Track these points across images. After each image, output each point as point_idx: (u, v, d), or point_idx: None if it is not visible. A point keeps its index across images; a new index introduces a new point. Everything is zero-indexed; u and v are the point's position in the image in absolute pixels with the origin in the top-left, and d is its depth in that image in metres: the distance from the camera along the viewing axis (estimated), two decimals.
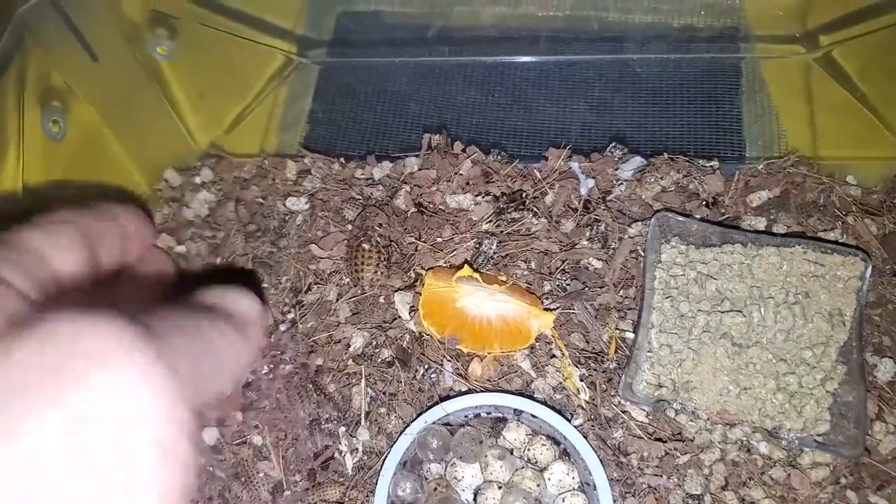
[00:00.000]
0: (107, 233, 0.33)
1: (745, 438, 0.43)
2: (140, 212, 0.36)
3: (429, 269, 0.47)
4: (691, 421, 0.44)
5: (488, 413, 0.43)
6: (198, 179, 0.54)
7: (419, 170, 0.53)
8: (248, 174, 0.55)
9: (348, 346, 0.46)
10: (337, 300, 0.48)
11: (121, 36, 0.46)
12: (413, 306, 0.46)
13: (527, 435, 0.42)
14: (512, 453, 0.42)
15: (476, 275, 0.45)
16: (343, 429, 0.44)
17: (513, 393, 0.44)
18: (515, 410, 0.42)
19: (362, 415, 0.44)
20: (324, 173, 0.54)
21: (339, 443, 0.44)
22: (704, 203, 0.50)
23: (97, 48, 0.44)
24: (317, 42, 0.63)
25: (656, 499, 0.41)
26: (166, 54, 0.50)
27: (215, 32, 0.52)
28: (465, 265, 0.46)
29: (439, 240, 0.49)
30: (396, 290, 0.47)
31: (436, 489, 0.41)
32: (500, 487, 0.40)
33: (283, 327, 0.47)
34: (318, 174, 0.54)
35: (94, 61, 0.44)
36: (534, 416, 0.42)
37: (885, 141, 0.53)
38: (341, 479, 0.43)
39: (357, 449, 0.43)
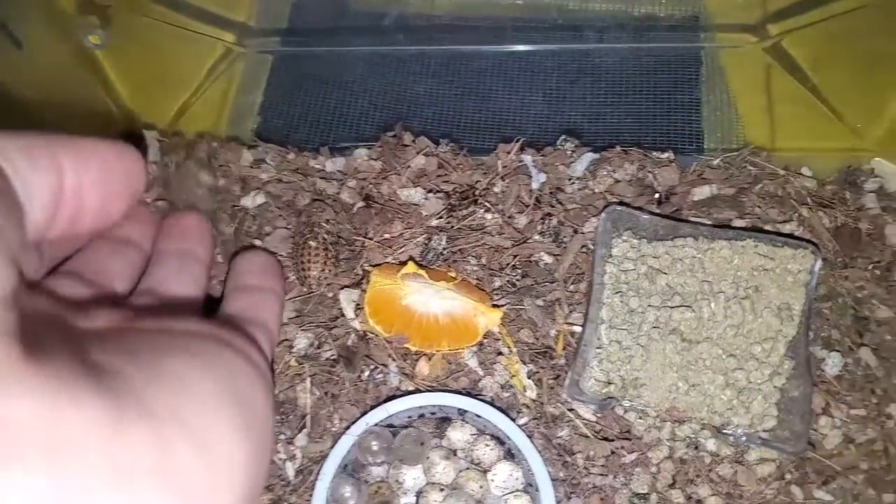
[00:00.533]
0: (86, 167, 0.26)
1: (693, 435, 0.43)
2: (133, 149, 0.30)
3: (375, 265, 0.46)
4: (640, 418, 0.43)
5: (433, 413, 0.42)
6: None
7: (369, 161, 0.52)
8: (200, 153, 0.52)
9: (291, 346, 0.45)
10: None
11: (47, 22, 0.44)
12: (359, 304, 0.45)
13: (471, 435, 0.41)
14: (456, 454, 0.41)
15: (422, 271, 0.44)
16: (286, 431, 0.43)
17: (458, 392, 0.43)
18: (459, 410, 0.41)
19: (307, 417, 0.43)
20: (277, 163, 0.52)
21: (281, 445, 0.43)
22: (658, 196, 0.49)
23: (21, 34, 0.41)
24: (269, 31, 0.61)
25: (601, 499, 0.41)
26: (99, 44, 0.48)
27: (152, 20, 0.50)
28: (410, 262, 0.45)
29: (387, 236, 0.48)
30: (342, 288, 0.46)
31: (376, 492, 0.40)
32: (442, 490, 0.39)
33: None
34: (273, 163, 0.52)
35: (19, 49, 0.42)
36: (478, 416, 0.41)
37: (838, 132, 0.52)
38: (282, 483, 0.42)
39: (294, 456, 0.42)
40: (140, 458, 0.21)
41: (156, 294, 0.36)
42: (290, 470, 0.42)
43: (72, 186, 0.26)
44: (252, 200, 0.50)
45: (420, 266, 0.45)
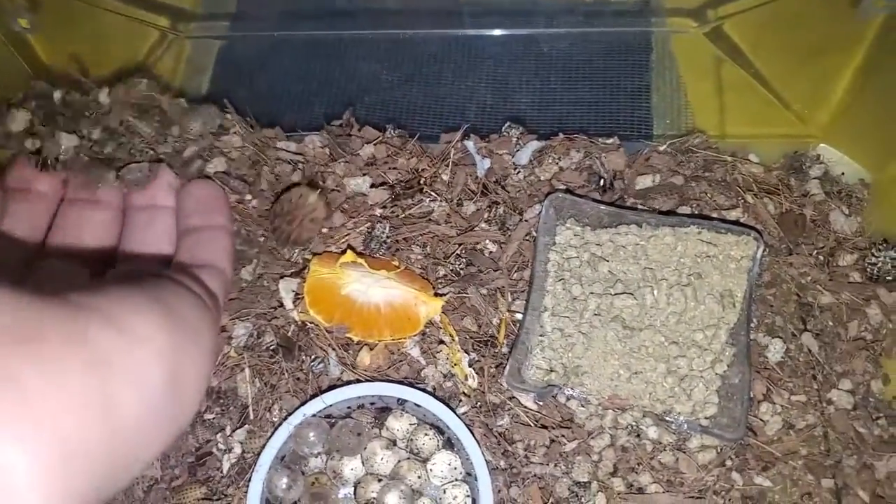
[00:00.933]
0: None
1: (635, 423, 0.42)
2: None
3: (315, 254, 0.46)
4: (582, 406, 0.43)
5: (372, 403, 0.42)
6: None
7: (319, 148, 0.51)
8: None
9: (230, 337, 0.44)
10: None
11: None
12: (298, 294, 0.45)
13: (411, 424, 0.41)
14: (396, 444, 0.41)
15: (361, 260, 0.43)
16: (227, 423, 0.42)
17: (400, 382, 0.42)
18: (399, 400, 0.41)
19: (249, 409, 0.43)
20: (243, 135, 0.50)
21: (220, 437, 0.42)
22: (603, 182, 0.49)
23: None
24: (216, 16, 0.60)
25: (541, 487, 0.40)
26: (28, 27, 0.46)
27: (84, 4, 0.49)
28: (349, 250, 0.44)
29: (331, 224, 0.47)
30: (281, 277, 0.45)
31: (314, 484, 0.39)
32: (380, 480, 0.39)
33: None
34: (239, 133, 0.50)
35: None
36: (418, 406, 0.40)
37: (784, 118, 0.52)
38: (220, 475, 0.41)
39: (233, 449, 0.42)
40: (52, 327, 0.21)
41: (129, 258, 0.37)
42: (226, 462, 0.41)
43: None
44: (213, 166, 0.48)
45: (361, 255, 0.44)
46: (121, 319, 0.24)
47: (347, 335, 0.44)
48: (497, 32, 0.58)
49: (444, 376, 0.43)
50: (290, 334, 0.44)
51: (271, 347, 0.44)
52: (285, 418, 0.41)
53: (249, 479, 0.39)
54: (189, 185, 0.41)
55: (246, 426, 0.42)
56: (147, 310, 0.26)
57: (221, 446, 0.42)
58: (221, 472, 0.41)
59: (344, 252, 0.44)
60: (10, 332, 0.20)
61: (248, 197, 0.47)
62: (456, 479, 0.39)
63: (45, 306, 0.22)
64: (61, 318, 0.22)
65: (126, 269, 0.36)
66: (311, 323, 0.44)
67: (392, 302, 0.44)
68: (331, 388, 0.42)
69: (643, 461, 0.42)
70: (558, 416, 0.42)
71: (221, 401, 0.43)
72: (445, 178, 0.49)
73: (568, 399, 0.43)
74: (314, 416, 0.40)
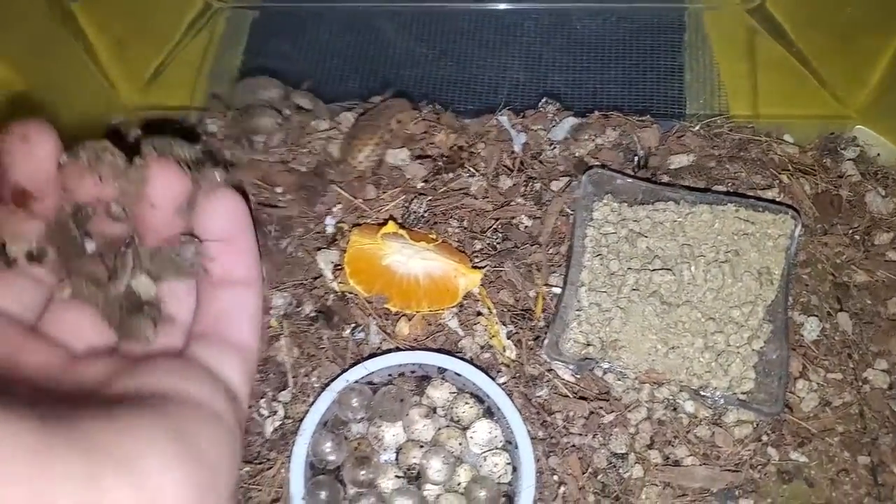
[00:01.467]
0: None
1: (671, 397, 0.43)
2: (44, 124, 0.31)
3: (354, 225, 0.46)
4: (619, 380, 0.43)
5: (413, 372, 0.42)
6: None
7: (354, 124, 0.51)
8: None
9: (269, 307, 0.44)
10: None
11: None
12: (338, 264, 0.45)
13: (450, 393, 0.41)
14: (435, 412, 0.41)
15: (402, 231, 0.43)
16: (267, 389, 0.43)
17: (438, 351, 0.43)
18: (439, 369, 0.41)
19: (288, 376, 0.43)
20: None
21: (263, 402, 0.42)
22: (637, 159, 0.49)
23: None
24: None
25: (580, 458, 0.41)
26: None
27: None
28: (390, 221, 0.44)
29: (369, 197, 0.48)
30: (319, 249, 0.45)
31: (356, 448, 0.40)
32: (422, 446, 0.39)
33: None
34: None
35: None
36: (458, 375, 0.41)
37: (820, 99, 0.52)
38: (261, 440, 0.42)
39: (276, 412, 0.42)
40: (64, 485, 0.21)
41: None
42: (268, 427, 0.42)
43: None
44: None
45: (401, 227, 0.45)
46: (135, 465, 0.23)
47: (385, 306, 0.44)
48: (528, 6, 0.58)
49: (482, 348, 0.44)
50: (329, 303, 0.44)
51: (311, 315, 0.44)
52: (326, 385, 0.41)
53: (291, 444, 0.40)
54: (209, 200, 0.33)
55: (287, 392, 0.43)
56: (163, 449, 0.25)
57: (264, 411, 0.42)
58: (264, 436, 0.42)
59: (384, 223, 0.44)
60: (21, 491, 0.20)
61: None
62: (496, 448, 0.40)
63: (57, 453, 0.21)
64: (74, 471, 0.21)
65: (138, 377, 0.31)
66: (350, 293, 0.44)
67: (431, 273, 0.44)
68: (371, 356, 0.42)
69: (679, 434, 0.42)
70: (595, 388, 0.43)
71: (261, 367, 0.44)
72: (483, 155, 0.50)
73: (605, 373, 0.43)
74: (357, 382, 0.41)
